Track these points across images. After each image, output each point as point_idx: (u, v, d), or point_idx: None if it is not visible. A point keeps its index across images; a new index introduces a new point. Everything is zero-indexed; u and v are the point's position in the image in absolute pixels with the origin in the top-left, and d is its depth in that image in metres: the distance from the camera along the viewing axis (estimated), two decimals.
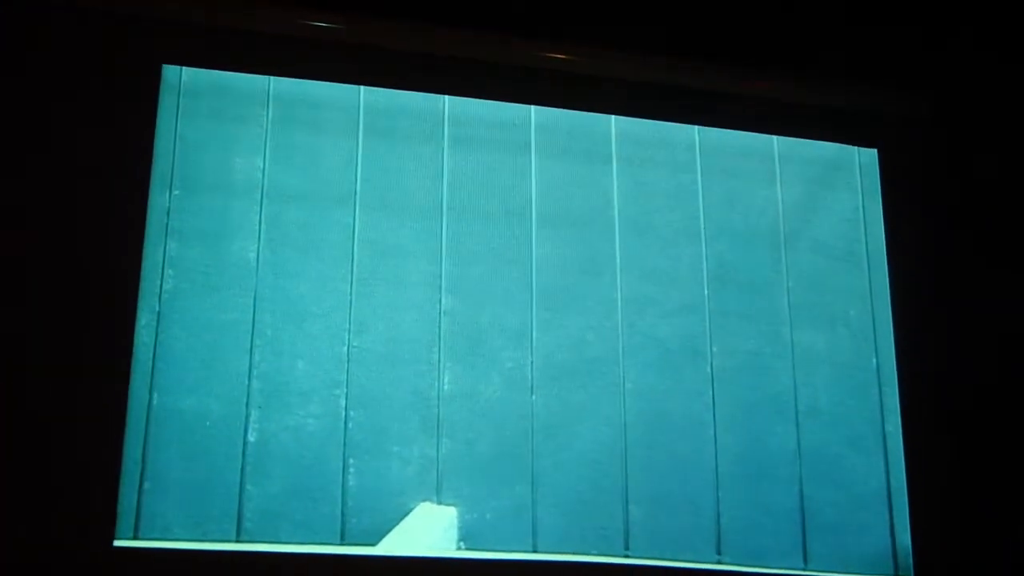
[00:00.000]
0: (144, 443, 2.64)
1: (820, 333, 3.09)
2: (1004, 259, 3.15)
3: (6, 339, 2.56)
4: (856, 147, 3.27)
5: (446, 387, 2.84)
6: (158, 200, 2.78)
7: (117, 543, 2.57)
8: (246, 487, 2.68)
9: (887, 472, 3.02)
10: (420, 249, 2.91)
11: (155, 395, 2.67)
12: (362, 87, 2.98)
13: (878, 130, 3.26)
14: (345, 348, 2.81)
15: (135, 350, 2.66)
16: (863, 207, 3.22)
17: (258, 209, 2.84)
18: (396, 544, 2.71)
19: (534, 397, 2.88)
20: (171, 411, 2.67)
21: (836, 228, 3.20)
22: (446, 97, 3.03)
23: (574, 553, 2.81)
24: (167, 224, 2.77)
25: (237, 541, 2.64)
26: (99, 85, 2.76)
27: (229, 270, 2.79)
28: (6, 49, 2.72)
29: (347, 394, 2.78)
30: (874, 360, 3.10)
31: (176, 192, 2.79)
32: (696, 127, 3.17)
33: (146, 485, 2.62)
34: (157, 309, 2.72)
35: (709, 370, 3.00)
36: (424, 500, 2.76)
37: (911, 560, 2.95)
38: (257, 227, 2.83)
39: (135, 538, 2.60)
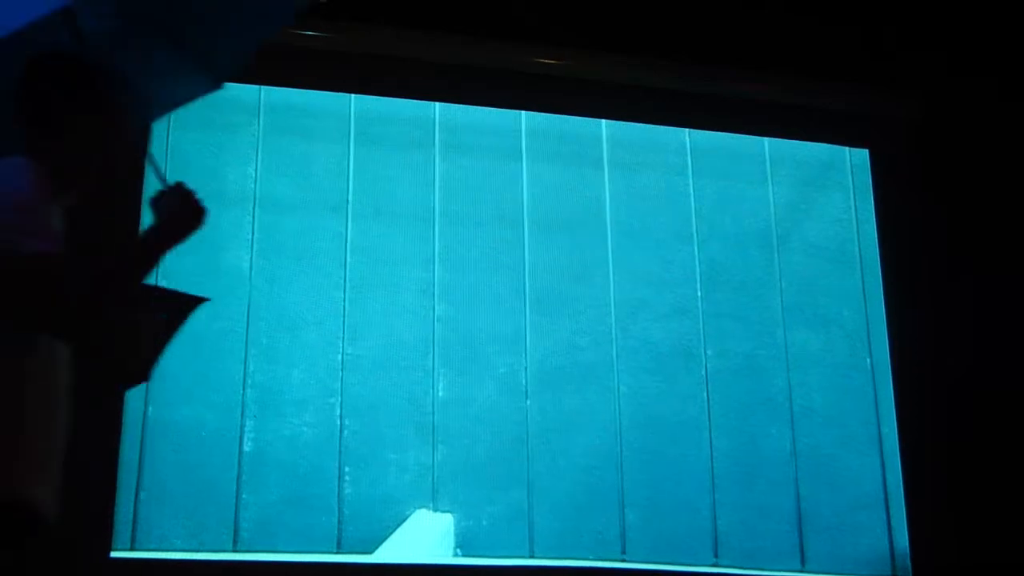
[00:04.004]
0: (140, 454, 2.64)
1: (814, 334, 3.09)
2: (996, 257, 3.15)
3: None
4: (847, 148, 3.27)
5: (441, 393, 2.84)
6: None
7: (114, 554, 2.58)
8: (242, 496, 2.68)
9: (883, 472, 3.02)
10: (413, 256, 2.91)
11: (150, 406, 2.67)
12: (353, 95, 2.98)
13: (869, 131, 3.26)
14: (339, 356, 2.81)
15: None
16: (855, 207, 3.22)
17: (250, 218, 2.84)
18: (393, 552, 2.71)
19: (528, 402, 2.89)
20: (166, 422, 2.67)
21: (828, 229, 3.20)
22: (437, 104, 3.03)
23: (571, 558, 2.81)
24: None
25: (234, 551, 2.64)
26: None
27: (222, 279, 2.79)
28: None
29: (342, 402, 2.79)
30: (868, 360, 3.10)
31: None
32: (687, 130, 3.18)
33: (142, 496, 2.63)
34: None
35: (703, 372, 3.00)
36: (420, 507, 2.76)
37: (909, 561, 2.96)
38: (250, 236, 2.83)
39: (132, 549, 2.60)
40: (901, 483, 3.00)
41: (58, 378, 1.40)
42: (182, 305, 1.87)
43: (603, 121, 3.12)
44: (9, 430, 1.30)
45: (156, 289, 1.75)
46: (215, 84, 1.74)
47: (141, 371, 1.90)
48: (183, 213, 1.47)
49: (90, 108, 1.48)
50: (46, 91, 1.46)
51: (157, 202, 1.49)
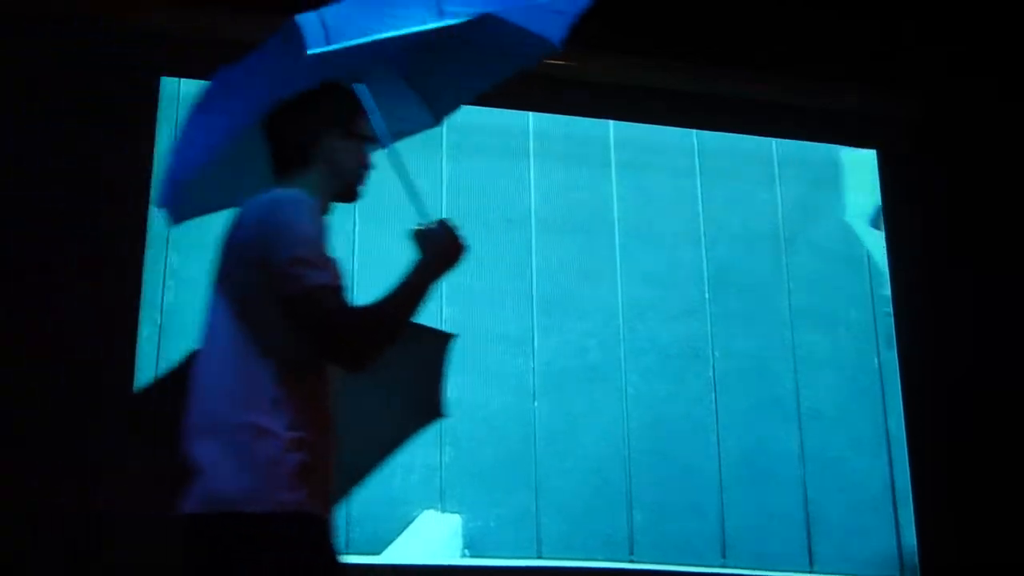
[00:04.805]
0: None
1: (821, 335, 3.08)
2: (1004, 257, 3.14)
3: (11, 348, 2.56)
4: (855, 148, 3.27)
5: (448, 395, 2.83)
6: (159, 212, 2.77)
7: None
8: None
9: (891, 474, 3.01)
10: None
11: None
12: None
13: (877, 131, 3.25)
14: None
15: (137, 361, 2.66)
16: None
17: None
18: (400, 553, 2.70)
19: (536, 404, 2.88)
20: None
21: (836, 230, 3.19)
22: None
23: (579, 559, 2.80)
24: (168, 236, 2.76)
25: None
26: (98, 98, 2.76)
27: None
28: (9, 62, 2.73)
29: None
30: (876, 361, 3.10)
31: None
32: (695, 131, 3.17)
33: None
34: (159, 321, 2.72)
35: (711, 374, 3.00)
36: (428, 508, 2.76)
37: (917, 562, 2.95)
38: None
39: None
40: (909, 484, 2.99)
41: (332, 403, 1.45)
42: (436, 341, 1.86)
43: (610, 122, 3.12)
44: (295, 452, 1.34)
45: (415, 325, 1.72)
46: (436, 121, 1.81)
47: (437, 407, 1.91)
48: (447, 247, 1.50)
49: (344, 138, 1.52)
50: (304, 121, 1.49)
51: (421, 236, 1.53)
